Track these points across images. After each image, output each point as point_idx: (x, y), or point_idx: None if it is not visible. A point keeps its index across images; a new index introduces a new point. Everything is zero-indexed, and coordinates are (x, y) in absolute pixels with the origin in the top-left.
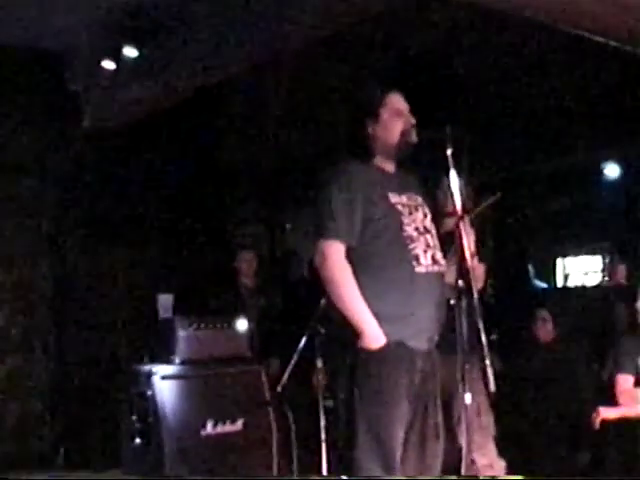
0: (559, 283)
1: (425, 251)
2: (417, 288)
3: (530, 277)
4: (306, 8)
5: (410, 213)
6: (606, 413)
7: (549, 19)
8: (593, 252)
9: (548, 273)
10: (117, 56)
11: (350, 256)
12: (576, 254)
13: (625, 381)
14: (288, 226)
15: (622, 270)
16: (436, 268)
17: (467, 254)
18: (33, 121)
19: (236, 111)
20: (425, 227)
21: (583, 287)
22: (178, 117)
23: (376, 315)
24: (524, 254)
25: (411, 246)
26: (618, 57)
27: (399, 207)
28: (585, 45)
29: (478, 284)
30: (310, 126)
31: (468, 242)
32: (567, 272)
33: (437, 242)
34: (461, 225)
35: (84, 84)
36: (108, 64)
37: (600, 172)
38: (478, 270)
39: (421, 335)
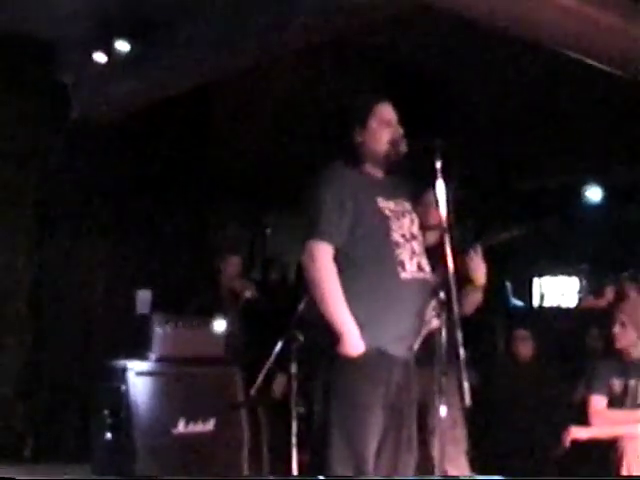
0: (535, 302)
1: (411, 257)
2: (401, 294)
3: (507, 295)
4: (302, 15)
5: (397, 219)
6: (577, 433)
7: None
8: (570, 273)
9: (525, 292)
10: (109, 49)
11: (337, 259)
12: (553, 274)
13: (598, 402)
14: (268, 230)
15: (610, 292)
16: (421, 275)
17: (450, 266)
18: (20, 111)
19: (225, 112)
20: (412, 234)
21: (559, 307)
22: (167, 114)
23: (357, 319)
24: (502, 272)
25: (397, 252)
26: (608, 80)
27: (387, 212)
28: (574, 66)
29: (471, 312)
30: (298, 131)
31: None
32: (543, 292)
33: (423, 249)
34: (445, 237)
35: (74, 76)
36: (99, 57)
37: (581, 193)
38: (476, 303)
39: (401, 342)
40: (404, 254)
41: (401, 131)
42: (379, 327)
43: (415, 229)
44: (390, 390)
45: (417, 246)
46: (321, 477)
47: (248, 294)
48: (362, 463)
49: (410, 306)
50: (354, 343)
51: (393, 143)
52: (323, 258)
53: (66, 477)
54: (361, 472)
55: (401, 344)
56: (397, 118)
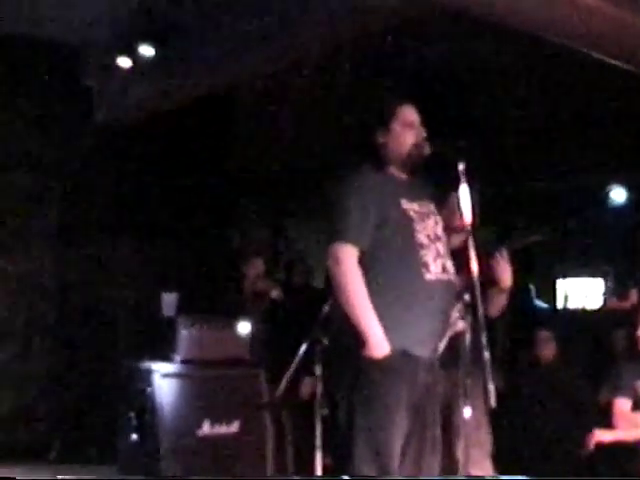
0: (559, 304)
1: (435, 259)
2: (425, 296)
3: (531, 297)
4: (323, 17)
5: (422, 220)
6: (601, 436)
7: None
8: (594, 275)
9: (549, 294)
10: (133, 53)
11: (361, 261)
12: (577, 276)
13: (622, 405)
14: (293, 232)
15: (635, 294)
16: (445, 276)
17: (474, 269)
18: (44, 114)
19: (248, 114)
20: (436, 235)
21: (583, 309)
22: (190, 117)
23: (382, 322)
24: (526, 273)
25: (421, 253)
26: (633, 79)
27: (411, 213)
28: (596, 66)
29: (496, 314)
30: (321, 133)
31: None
32: (567, 294)
33: (448, 251)
34: (469, 239)
35: (98, 80)
36: (123, 61)
37: (606, 194)
38: (501, 306)
39: (426, 344)
40: (428, 255)
41: (424, 133)
42: (404, 329)
43: (439, 230)
44: (415, 391)
45: (442, 247)
46: (345, 477)
47: (274, 294)
48: (386, 464)
49: (434, 307)
50: (379, 345)
51: (416, 145)
52: (348, 261)
53: (92, 477)
54: (385, 472)
55: (426, 345)
56: (420, 120)
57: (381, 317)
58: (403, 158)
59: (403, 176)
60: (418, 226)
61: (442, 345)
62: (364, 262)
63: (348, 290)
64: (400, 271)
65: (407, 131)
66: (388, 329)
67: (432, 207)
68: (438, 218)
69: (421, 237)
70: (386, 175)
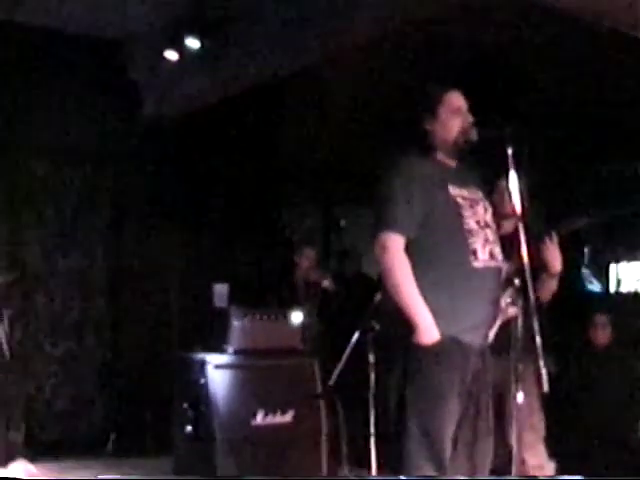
0: (612, 288)
1: (484, 246)
2: (474, 283)
3: (584, 281)
4: (367, 5)
5: (471, 207)
6: None
7: (611, 22)
8: None
9: (601, 278)
10: (180, 47)
11: (409, 248)
12: (630, 260)
13: None
14: (343, 222)
15: None
16: (493, 263)
17: (525, 255)
18: (93, 109)
19: (295, 105)
20: (486, 222)
21: (636, 293)
22: (239, 109)
23: (431, 309)
24: (578, 258)
25: (470, 240)
26: None
27: (459, 200)
28: None
29: (557, 265)
30: (371, 121)
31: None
32: (620, 277)
33: (496, 237)
34: (520, 225)
35: (146, 73)
36: (170, 54)
37: None
38: (551, 290)
39: (476, 331)
40: (477, 242)
41: (471, 119)
42: (453, 316)
43: (489, 217)
44: (466, 378)
45: (491, 234)
46: (402, 477)
47: (326, 284)
48: (439, 451)
49: (483, 294)
50: (429, 332)
51: (463, 131)
52: (395, 249)
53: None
54: (438, 461)
55: (476, 332)
56: (467, 106)
57: (430, 304)
58: (450, 144)
59: (451, 163)
60: (467, 212)
61: (493, 332)
62: (412, 249)
63: (396, 278)
64: (448, 258)
65: (454, 117)
66: (437, 316)
67: (481, 194)
68: (487, 204)
69: (470, 223)
70: (433, 162)
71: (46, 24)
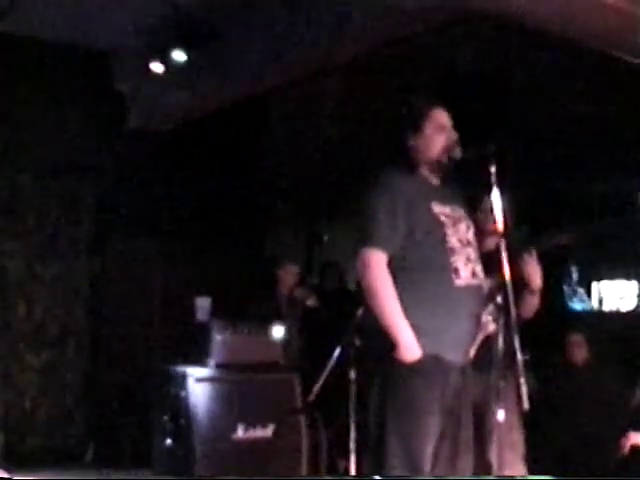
0: (594, 306)
1: (465, 264)
2: (456, 301)
3: (565, 299)
4: (353, 23)
5: (454, 224)
6: (636, 438)
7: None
8: (629, 277)
9: (583, 296)
10: (166, 59)
11: (391, 265)
12: (611, 278)
13: None
14: (325, 237)
15: None
16: (475, 282)
17: (506, 272)
18: (77, 119)
19: (280, 120)
20: (468, 240)
21: (618, 311)
22: (223, 123)
23: (413, 327)
24: (559, 276)
25: (452, 258)
26: None
27: (442, 218)
28: (630, 68)
29: (529, 316)
30: (355, 137)
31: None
32: (602, 296)
33: (478, 255)
34: (502, 243)
35: (131, 85)
36: (156, 66)
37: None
38: (534, 307)
39: (458, 348)
40: (459, 261)
41: (455, 137)
42: (434, 333)
43: (471, 235)
44: (446, 395)
45: (472, 252)
46: (377, 477)
47: (311, 302)
48: (418, 468)
49: (464, 313)
50: (410, 349)
51: (447, 149)
52: (377, 265)
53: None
54: (417, 475)
55: (457, 350)
56: (451, 123)
57: (411, 322)
58: (434, 161)
59: (434, 180)
60: (449, 230)
61: (474, 349)
62: (394, 266)
63: (377, 295)
64: (430, 276)
65: (438, 134)
66: (418, 334)
67: (463, 211)
68: (470, 222)
69: (452, 241)
70: (417, 178)
71: (29, 35)
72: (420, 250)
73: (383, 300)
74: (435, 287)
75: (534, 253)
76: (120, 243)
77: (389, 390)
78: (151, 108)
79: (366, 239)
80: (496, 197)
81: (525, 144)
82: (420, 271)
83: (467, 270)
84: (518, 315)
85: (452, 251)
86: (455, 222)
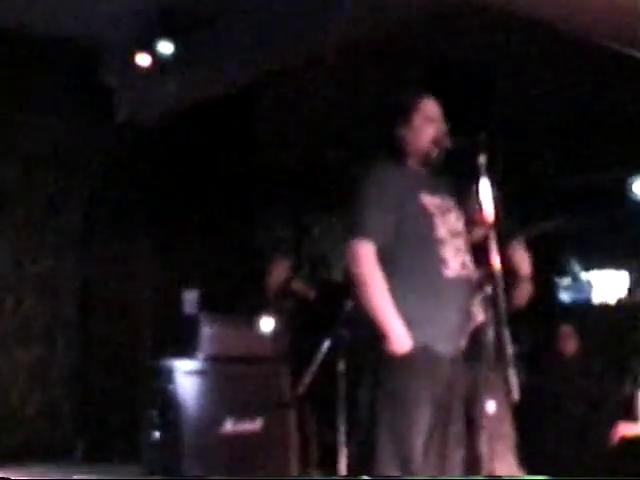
0: (585, 298)
1: (455, 255)
2: (445, 292)
3: (556, 290)
4: (341, 12)
5: (443, 215)
6: (626, 430)
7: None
8: (619, 267)
9: (574, 287)
10: (152, 52)
11: (380, 256)
12: (601, 268)
13: None
14: (316, 229)
15: None
16: (464, 272)
17: (495, 262)
18: (64, 115)
19: (270, 112)
20: (457, 230)
21: (608, 303)
22: (212, 115)
23: (403, 318)
24: (551, 267)
25: (441, 249)
26: None
27: (431, 208)
28: (622, 59)
29: (522, 304)
30: (345, 129)
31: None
32: (592, 286)
33: (468, 246)
34: (491, 233)
35: (118, 79)
36: (143, 60)
37: (631, 186)
38: (527, 295)
39: (448, 340)
40: (448, 252)
41: (444, 128)
42: (424, 325)
43: (460, 226)
44: (437, 387)
45: (462, 243)
46: (365, 477)
47: (311, 296)
48: (408, 460)
49: (454, 304)
50: (400, 340)
51: (436, 140)
52: (366, 257)
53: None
54: (407, 469)
55: (448, 341)
56: (440, 114)
57: (401, 313)
58: (423, 152)
59: (423, 170)
60: (438, 221)
61: (464, 340)
62: (383, 257)
63: (366, 286)
64: (419, 267)
65: (427, 125)
66: (409, 325)
67: (453, 202)
68: (459, 213)
69: (441, 232)
70: (406, 169)
71: (16, 28)
72: (409, 241)
73: (372, 291)
74: (424, 278)
75: (522, 241)
76: (108, 237)
77: (379, 382)
78: (139, 101)
79: (355, 230)
80: (485, 187)
81: (515, 134)
82: (409, 262)
83: (456, 261)
84: (511, 304)
85: (441, 242)
86: (444, 212)
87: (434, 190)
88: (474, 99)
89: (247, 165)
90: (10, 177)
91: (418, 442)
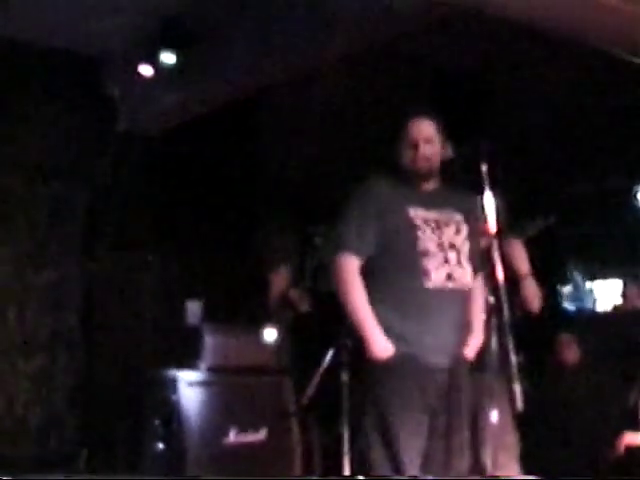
0: (587, 306)
1: (439, 267)
2: (428, 304)
3: (559, 299)
4: (345, 23)
5: (437, 228)
6: (631, 439)
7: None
8: (623, 276)
9: (577, 296)
10: (154, 62)
11: (368, 269)
12: (606, 278)
13: None
14: (317, 239)
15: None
16: (450, 285)
17: (498, 272)
18: (67, 124)
19: (272, 122)
20: (452, 243)
21: (611, 311)
22: (213, 125)
23: (386, 327)
24: (553, 276)
25: (423, 261)
26: None
27: (417, 222)
28: (623, 65)
29: (535, 304)
30: (348, 140)
31: (519, 261)
32: (596, 296)
33: (465, 259)
34: (494, 243)
35: (120, 89)
36: (145, 69)
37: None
38: (533, 289)
39: (438, 351)
40: (431, 264)
41: (433, 148)
42: (406, 334)
43: (459, 239)
44: (427, 395)
45: (454, 256)
46: (360, 477)
47: (304, 308)
48: (399, 466)
49: (442, 315)
50: (379, 345)
51: (417, 161)
52: (347, 269)
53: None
54: (400, 472)
55: (438, 353)
56: (430, 133)
57: (383, 322)
58: (411, 171)
59: (425, 184)
60: (424, 234)
61: (470, 352)
62: (371, 270)
63: (347, 297)
64: (400, 279)
65: (409, 148)
66: (391, 334)
67: (457, 216)
68: (463, 226)
69: (427, 245)
70: (400, 183)
71: (16, 37)
72: (391, 253)
73: (352, 301)
74: (405, 289)
75: (517, 239)
76: (110, 248)
77: (367, 389)
78: (141, 111)
79: (338, 244)
80: (488, 197)
81: (519, 141)
82: (391, 274)
83: (440, 273)
84: (525, 308)
85: (424, 254)
86: (439, 226)
87: (432, 203)
88: (474, 107)
89: (249, 174)
90: (12, 189)
91: (409, 447)
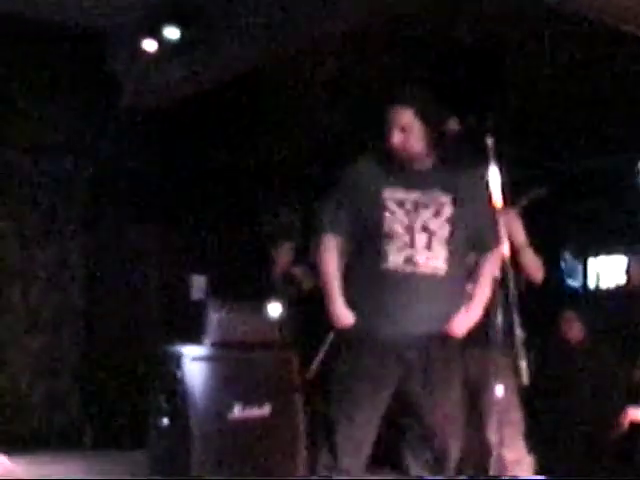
0: (591, 283)
1: (400, 250)
2: (382, 285)
3: (562, 276)
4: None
5: (415, 210)
6: (635, 414)
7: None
8: (627, 252)
9: (580, 272)
10: (159, 37)
11: (348, 248)
12: (609, 254)
13: None
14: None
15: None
16: (409, 268)
17: (504, 247)
18: (71, 99)
19: (275, 97)
20: (425, 226)
21: (616, 287)
22: (217, 100)
23: (350, 303)
24: (556, 252)
25: (384, 243)
26: None
27: (388, 203)
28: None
29: (538, 274)
30: (351, 115)
31: (516, 232)
32: (599, 272)
33: (441, 243)
34: (500, 217)
35: (124, 63)
36: (149, 44)
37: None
38: (533, 259)
39: (404, 330)
40: (392, 246)
41: (412, 134)
42: (365, 312)
43: (437, 222)
44: (386, 371)
45: (424, 238)
46: (360, 478)
47: (307, 285)
48: (355, 436)
49: (405, 296)
50: (338, 314)
51: (394, 147)
52: (325, 248)
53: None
54: (358, 449)
55: (403, 331)
56: (410, 119)
57: (349, 299)
58: (395, 154)
59: (416, 164)
60: (393, 215)
61: (436, 331)
62: (346, 250)
63: (321, 273)
64: (360, 259)
65: (388, 134)
66: (354, 309)
67: (444, 197)
68: (446, 208)
69: (392, 227)
70: (384, 165)
71: (20, 13)
72: (360, 234)
73: (322, 274)
74: (364, 270)
75: (511, 210)
76: (114, 224)
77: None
78: (144, 87)
79: (319, 225)
80: (494, 171)
81: (523, 117)
82: (355, 254)
83: (399, 256)
84: (527, 280)
85: (388, 236)
86: (417, 207)
87: (414, 185)
88: (482, 83)
89: (254, 150)
90: (16, 166)
91: (358, 417)
